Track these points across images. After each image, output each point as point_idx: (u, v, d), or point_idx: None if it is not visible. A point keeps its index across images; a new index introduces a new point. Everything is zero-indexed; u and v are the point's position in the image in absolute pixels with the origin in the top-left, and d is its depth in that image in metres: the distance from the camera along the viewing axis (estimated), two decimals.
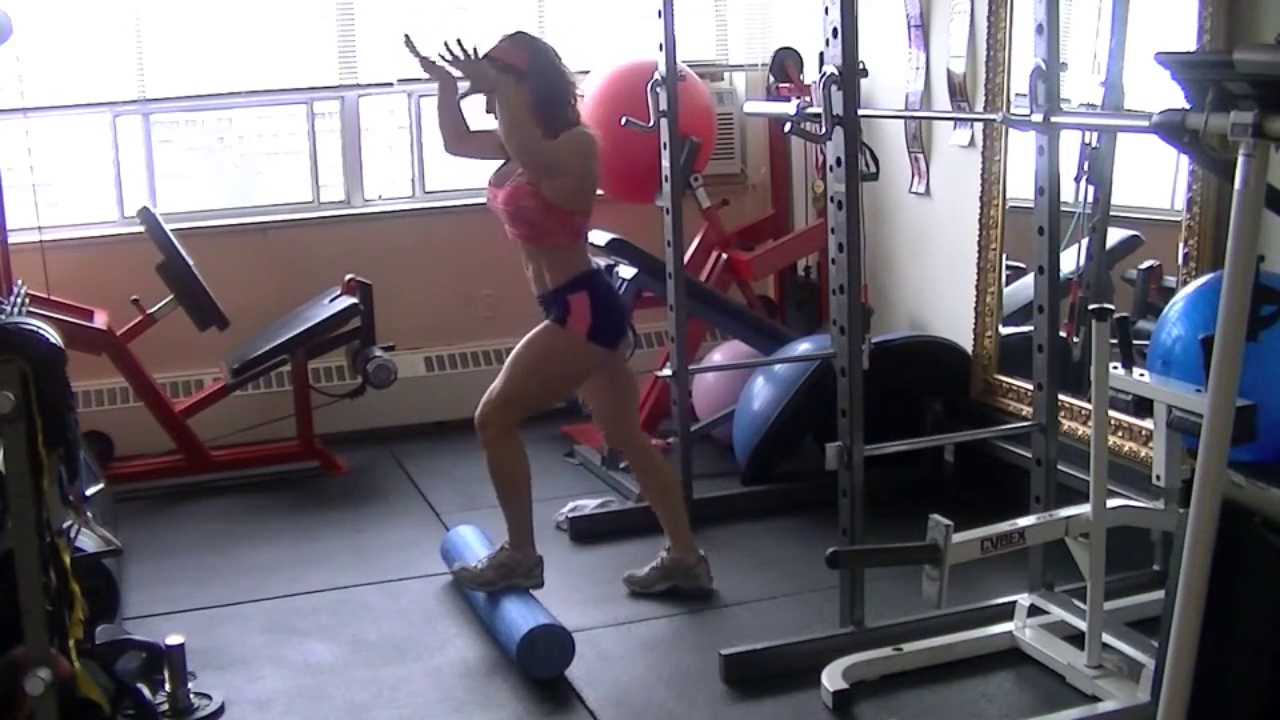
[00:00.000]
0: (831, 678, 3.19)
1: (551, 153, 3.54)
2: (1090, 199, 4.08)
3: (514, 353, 3.72)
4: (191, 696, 3.25)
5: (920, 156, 5.04)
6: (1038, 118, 3.15)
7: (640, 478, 4.03)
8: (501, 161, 3.73)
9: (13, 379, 2.39)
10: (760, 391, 4.76)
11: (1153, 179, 4.06)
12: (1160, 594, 2.90)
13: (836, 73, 3.20)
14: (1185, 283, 3.67)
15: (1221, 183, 3.34)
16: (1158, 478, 3.26)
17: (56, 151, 5.41)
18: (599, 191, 3.77)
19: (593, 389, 3.88)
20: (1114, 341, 3.11)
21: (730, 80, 6.17)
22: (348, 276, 5.16)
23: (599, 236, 5.03)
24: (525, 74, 3.57)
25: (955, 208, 4.79)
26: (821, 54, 3.31)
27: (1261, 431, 2.88)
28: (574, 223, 3.63)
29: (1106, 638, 3.14)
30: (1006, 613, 3.43)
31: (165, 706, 3.20)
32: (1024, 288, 3.83)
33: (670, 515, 3.90)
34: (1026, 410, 4.04)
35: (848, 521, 3.37)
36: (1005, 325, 4.54)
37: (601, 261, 5.07)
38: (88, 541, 3.23)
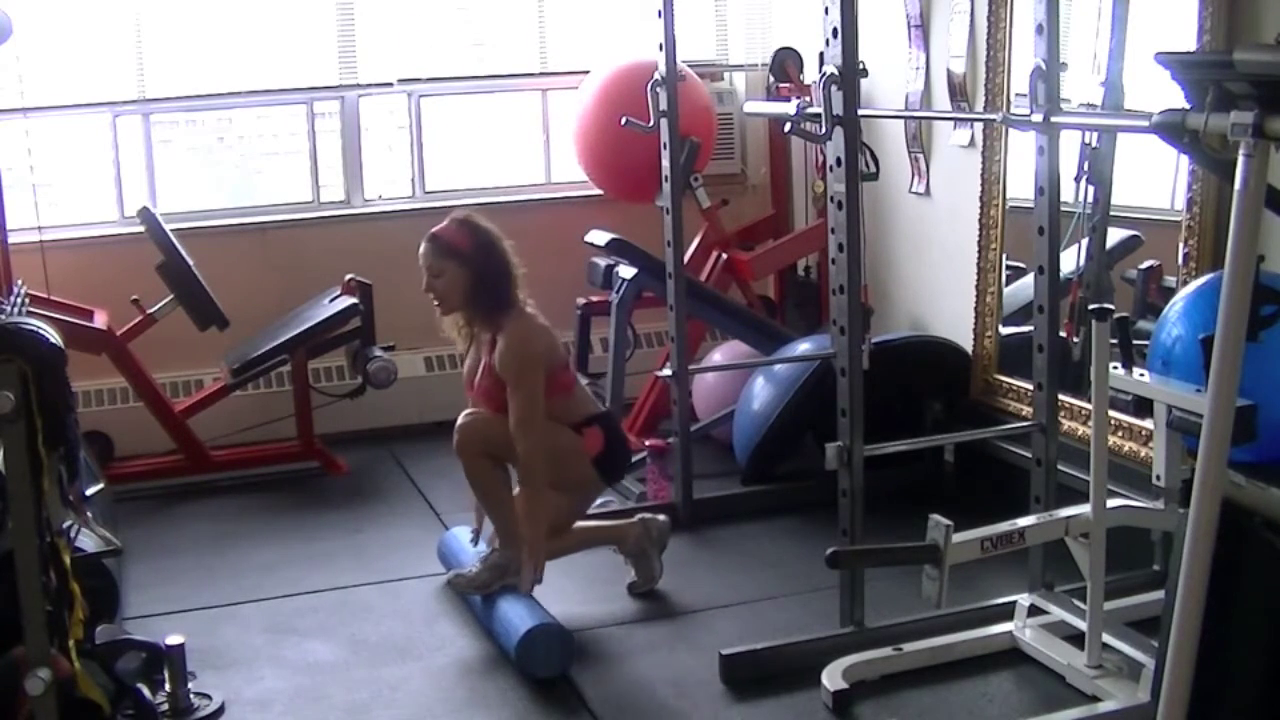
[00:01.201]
0: (831, 678, 3.19)
1: (536, 403, 3.61)
2: (1090, 199, 4.08)
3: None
4: (191, 696, 3.25)
5: (920, 156, 5.04)
6: (1038, 118, 3.15)
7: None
8: (468, 359, 3.80)
9: (13, 379, 2.39)
10: (760, 391, 4.76)
11: (1153, 179, 4.06)
12: (1160, 594, 2.91)
13: (836, 73, 3.20)
14: (1185, 283, 3.67)
15: (1221, 183, 3.34)
16: (1158, 478, 3.26)
17: (56, 151, 5.41)
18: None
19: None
20: (1114, 341, 3.11)
21: (730, 80, 6.16)
22: (348, 276, 5.16)
23: (599, 236, 5.05)
24: (468, 259, 3.65)
25: (955, 208, 4.79)
26: (821, 54, 3.31)
27: (1261, 431, 2.87)
28: (557, 382, 3.69)
29: (1106, 638, 3.14)
30: (1006, 613, 3.43)
31: (165, 706, 3.20)
32: (1024, 288, 3.83)
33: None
34: (1026, 410, 4.04)
35: (848, 521, 3.37)
36: (1005, 325, 4.54)
37: (601, 262, 5.09)
38: (88, 541, 3.23)
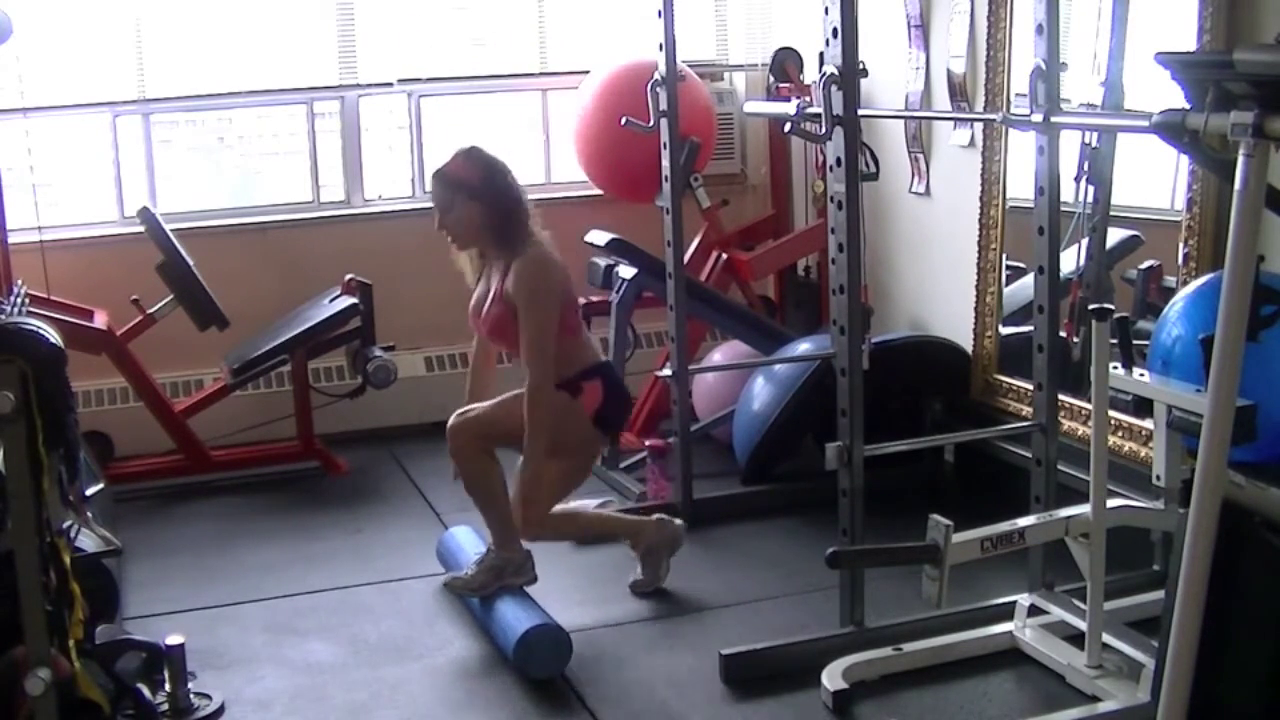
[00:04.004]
0: (831, 678, 3.19)
1: (547, 332, 3.60)
2: (1090, 199, 4.08)
3: (507, 394, 3.74)
4: (191, 696, 3.25)
5: (920, 156, 5.04)
6: (1038, 118, 3.15)
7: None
8: (476, 292, 3.78)
9: (13, 379, 2.39)
10: (760, 391, 4.76)
11: (1153, 179, 4.06)
12: (1160, 594, 2.91)
13: (836, 73, 3.20)
14: (1185, 283, 3.67)
15: (1221, 183, 3.34)
16: (1158, 478, 3.26)
17: (56, 151, 5.41)
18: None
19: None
20: (1114, 341, 3.11)
21: (730, 80, 6.16)
22: (348, 276, 5.16)
23: (599, 236, 5.05)
24: (478, 191, 3.61)
25: (955, 208, 4.79)
26: (821, 54, 3.31)
27: (1261, 431, 2.88)
28: (566, 323, 3.69)
29: (1106, 638, 3.15)
30: (1006, 613, 3.43)
31: (165, 706, 3.20)
32: (1024, 288, 3.83)
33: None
34: (1026, 410, 4.04)
35: (848, 521, 3.37)
36: (1005, 325, 4.54)
37: (601, 262, 5.09)
38: (88, 541, 3.23)
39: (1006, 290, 4.53)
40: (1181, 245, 3.75)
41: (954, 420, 4.54)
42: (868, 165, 3.60)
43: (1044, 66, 3.13)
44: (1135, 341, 3.31)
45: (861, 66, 3.26)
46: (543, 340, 3.60)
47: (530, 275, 3.60)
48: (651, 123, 4.36)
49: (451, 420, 3.71)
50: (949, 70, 4.76)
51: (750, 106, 5.45)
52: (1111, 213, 4.09)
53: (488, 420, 3.69)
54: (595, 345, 3.90)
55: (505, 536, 3.70)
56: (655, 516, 3.96)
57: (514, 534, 3.71)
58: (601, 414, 3.74)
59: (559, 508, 3.82)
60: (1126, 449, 3.78)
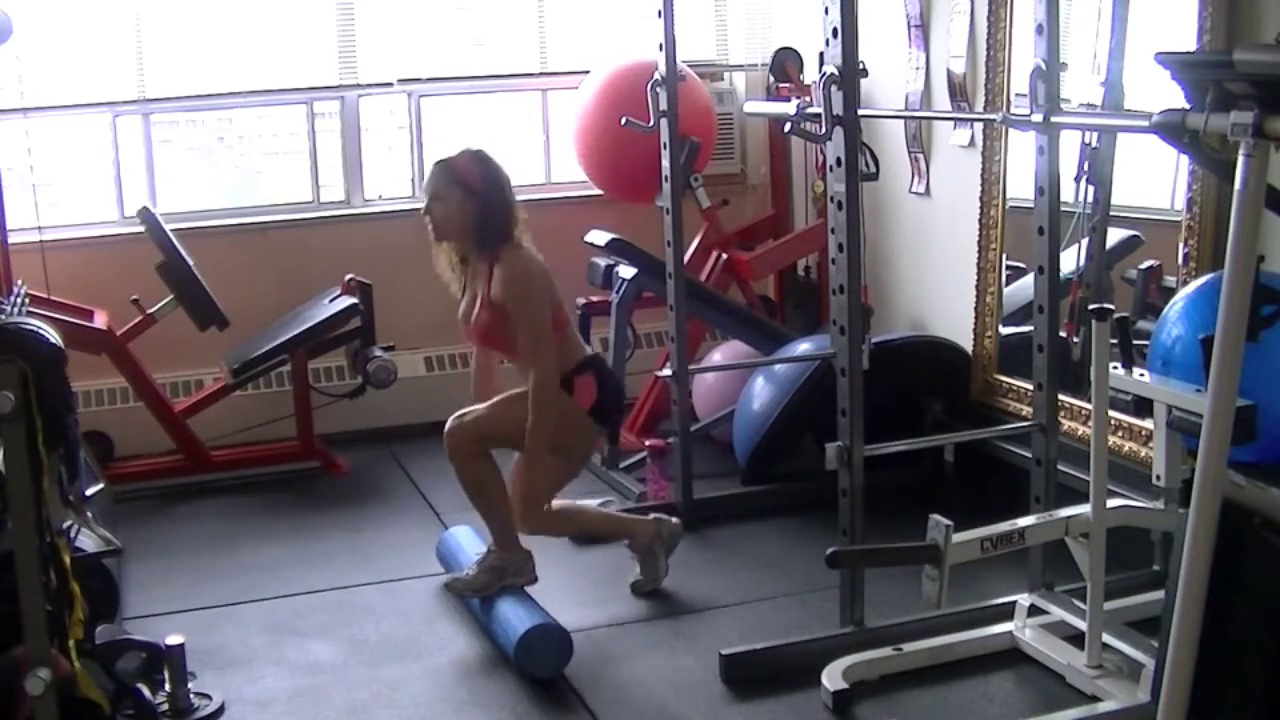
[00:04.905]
0: (831, 678, 3.19)
1: (544, 326, 3.62)
2: (1090, 199, 4.08)
3: (503, 395, 3.75)
4: (191, 696, 3.25)
5: (920, 156, 5.04)
6: (1038, 118, 3.15)
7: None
8: (463, 300, 3.79)
9: (13, 379, 2.39)
10: (760, 391, 4.76)
11: (1153, 179, 4.06)
12: (1160, 594, 2.90)
13: (836, 73, 3.21)
14: (1185, 283, 3.67)
15: (1221, 183, 3.34)
16: (1158, 478, 3.26)
17: (56, 151, 5.41)
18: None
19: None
20: (1114, 341, 3.11)
21: (730, 80, 6.16)
22: (348, 276, 5.16)
23: (599, 236, 5.05)
24: (475, 193, 3.64)
25: (955, 208, 4.79)
26: (821, 54, 3.31)
27: (1261, 431, 2.87)
28: (554, 320, 3.68)
29: (1106, 638, 3.15)
30: (1006, 613, 3.43)
31: (165, 706, 3.20)
32: (1024, 288, 3.83)
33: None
34: (1026, 410, 4.04)
35: (848, 521, 3.37)
36: (1005, 325, 4.54)
37: (601, 262, 5.09)
38: (88, 541, 3.23)
39: (1006, 290, 4.53)
40: (1181, 245, 3.75)
41: (954, 420, 4.54)
42: (868, 165, 3.60)
43: (1044, 66, 3.13)
44: (1135, 341, 3.31)
45: (861, 66, 3.26)
46: (542, 335, 3.62)
47: (516, 276, 3.63)
48: (651, 123, 4.36)
49: (449, 423, 3.71)
50: (949, 70, 4.76)
51: (750, 106, 5.45)
52: (1111, 213, 4.09)
53: (485, 422, 3.69)
54: (580, 340, 3.93)
55: (506, 537, 3.70)
56: (652, 516, 3.96)
57: (514, 534, 3.71)
58: (597, 407, 3.75)
59: (560, 504, 3.83)
60: (1126, 449, 3.78)
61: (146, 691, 3.07)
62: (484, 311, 3.68)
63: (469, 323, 3.76)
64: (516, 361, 3.73)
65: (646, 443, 4.72)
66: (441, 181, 3.68)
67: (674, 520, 3.97)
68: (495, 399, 3.78)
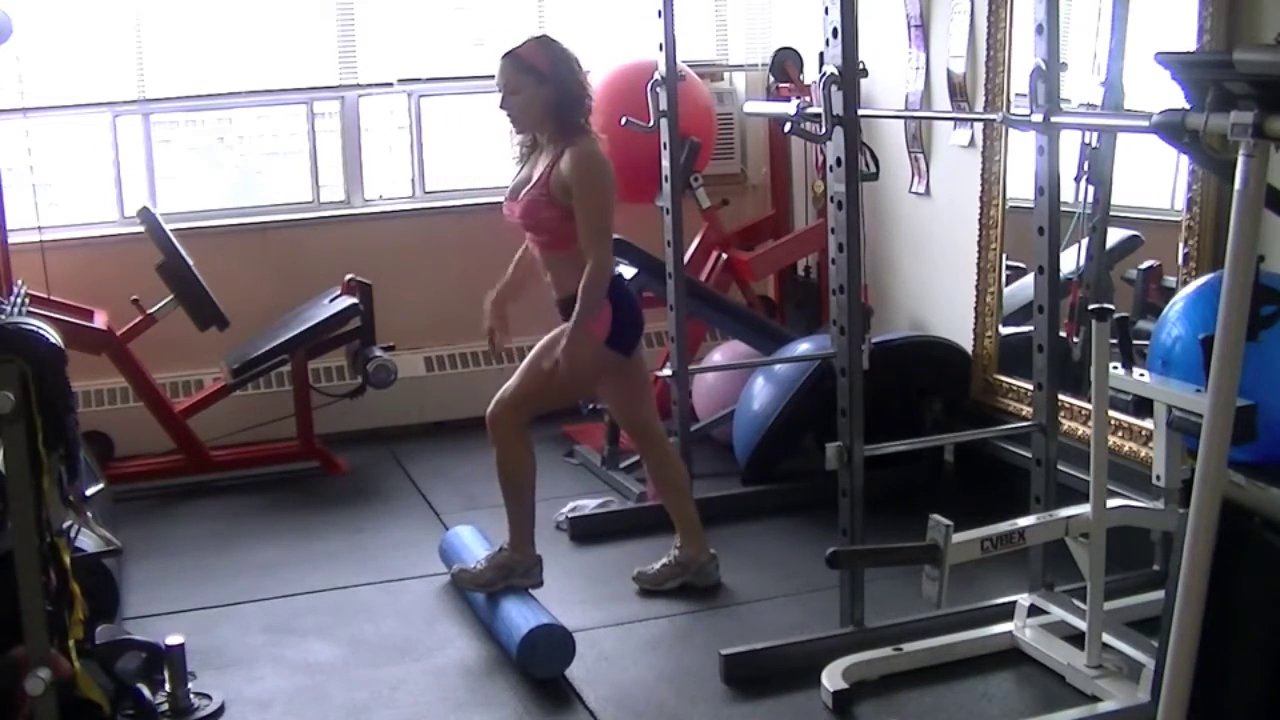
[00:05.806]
0: (831, 678, 3.19)
1: (606, 214, 3.61)
2: (1090, 199, 4.08)
3: (531, 353, 3.73)
4: (191, 696, 3.25)
5: (920, 156, 5.04)
6: (1038, 118, 3.15)
7: (652, 473, 4.05)
8: (516, 177, 3.76)
9: (13, 379, 2.39)
10: (760, 391, 4.76)
11: (1153, 179, 4.06)
12: (1160, 594, 2.90)
13: (836, 73, 3.20)
14: (1185, 283, 3.67)
15: (1221, 183, 3.34)
16: (1158, 478, 3.26)
17: (56, 151, 5.41)
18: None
19: (608, 389, 3.92)
20: (1114, 341, 3.11)
21: (730, 80, 6.16)
22: (348, 276, 5.16)
23: None
24: (546, 77, 3.61)
25: (955, 208, 4.79)
26: (821, 54, 3.31)
27: (1261, 431, 2.88)
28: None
29: (1106, 638, 3.15)
30: (1006, 613, 3.43)
31: (165, 706, 3.20)
32: (1024, 288, 3.83)
33: (681, 512, 3.93)
34: (1026, 410, 4.04)
35: (848, 521, 3.37)
36: (1005, 325, 4.54)
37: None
38: (88, 541, 3.23)
39: (1006, 290, 4.53)
40: (1181, 245, 3.75)
41: (954, 420, 4.54)
42: (868, 165, 3.60)
43: (1044, 66, 3.13)
44: (1135, 341, 3.31)
45: (861, 66, 3.26)
46: (603, 223, 3.59)
47: (588, 162, 3.60)
48: (651, 123, 4.35)
49: (490, 409, 3.69)
50: (949, 70, 4.76)
51: (750, 106, 5.45)
52: (1111, 213, 4.09)
53: (520, 385, 3.68)
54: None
55: (522, 537, 3.71)
56: (712, 552, 3.96)
57: (531, 536, 3.72)
58: (614, 336, 3.69)
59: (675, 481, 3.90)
60: (1126, 449, 3.78)
61: (146, 691, 3.07)
62: (536, 190, 3.64)
63: (515, 198, 3.71)
64: (546, 250, 3.69)
65: None
66: (511, 73, 3.64)
67: (717, 573, 3.96)
68: (527, 358, 3.75)
